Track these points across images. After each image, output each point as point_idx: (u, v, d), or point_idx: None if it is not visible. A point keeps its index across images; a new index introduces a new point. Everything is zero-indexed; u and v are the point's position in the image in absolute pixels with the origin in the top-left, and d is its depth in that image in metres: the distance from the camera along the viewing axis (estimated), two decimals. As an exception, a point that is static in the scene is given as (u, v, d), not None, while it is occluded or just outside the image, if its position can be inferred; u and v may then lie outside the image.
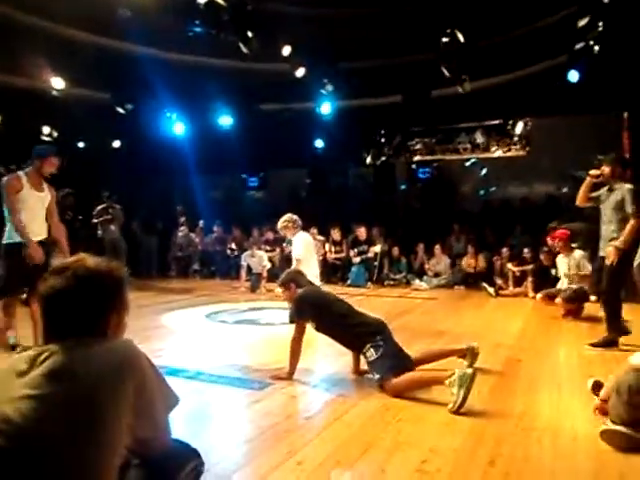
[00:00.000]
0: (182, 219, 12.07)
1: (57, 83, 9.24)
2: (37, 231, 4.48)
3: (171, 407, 1.29)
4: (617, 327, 4.70)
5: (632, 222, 4.46)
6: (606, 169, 4.73)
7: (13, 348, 4.40)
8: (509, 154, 12.39)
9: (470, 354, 3.96)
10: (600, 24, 6.83)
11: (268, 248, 10.97)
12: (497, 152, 12.39)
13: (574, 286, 6.39)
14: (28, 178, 4.43)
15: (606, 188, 4.81)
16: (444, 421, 2.91)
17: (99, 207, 9.94)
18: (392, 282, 9.90)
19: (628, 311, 5.20)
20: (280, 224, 5.76)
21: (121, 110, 10.57)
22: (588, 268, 6.36)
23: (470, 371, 3.07)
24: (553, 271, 7.95)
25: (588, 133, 10.20)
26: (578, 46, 7.69)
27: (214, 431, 2.90)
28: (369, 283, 9.80)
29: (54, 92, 9.30)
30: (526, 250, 8.83)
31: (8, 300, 4.56)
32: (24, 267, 4.29)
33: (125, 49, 9.51)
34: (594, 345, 4.69)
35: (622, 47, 8.02)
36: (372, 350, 3.50)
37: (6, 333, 4.55)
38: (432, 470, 2.33)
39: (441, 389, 3.14)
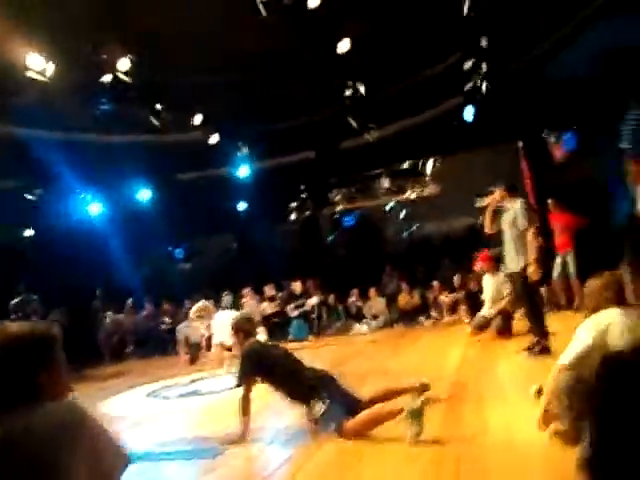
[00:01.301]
0: (99, 303, 11.64)
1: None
2: None
3: (123, 466, 1.24)
4: (543, 331, 4.97)
5: (530, 232, 4.90)
6: (496, 195, 5.22)
7: None
8: (425, 193, 13.04)
9: (421, 391, 3.97)
10: (483, 65, 7.53)
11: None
12: (413, 193, 13.01)
13: (497, 309, 6.67)
14: None
15: (503, 210, 5.26)
16: (404, 454, 2.90)
17: (14, 301, 9.30)
18: (333, 331, 9.92)
19: (554, 320, 5.52)
20: (194, 316, 5.87)
21: (30, 197, 10.20)
22: (507, 290, 6.69)
23: (418, 403, 3.08)
24: (482, 296, 8.32)
25: (494, 163, 11.00)
26: (468, 86, 8.42)
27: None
28: (310, 336, 9.76)
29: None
30: (455, 278, 9.20)
31: None
32: None
33: (30, 134, 9.33)
34: (530, 353, 4.92)
35: (508, 82, 8.86)
36: (318, 405, 3.47)
37: None
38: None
39: (395, 422, 3.12)
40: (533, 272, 4.86)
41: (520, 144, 10.88)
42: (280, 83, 8.62)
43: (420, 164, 12.85)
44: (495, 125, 9.83)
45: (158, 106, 7.84)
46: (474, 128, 9.93)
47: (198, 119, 9.01)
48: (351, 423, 3.29)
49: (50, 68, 6.13)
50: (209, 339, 9.00)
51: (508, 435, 2.97)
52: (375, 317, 9.89)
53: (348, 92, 8.04)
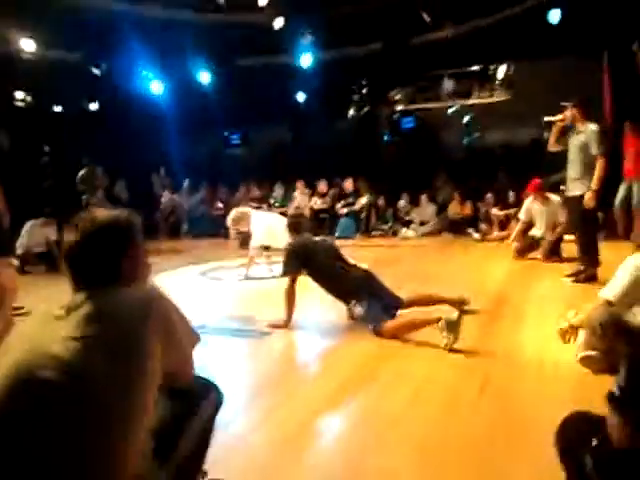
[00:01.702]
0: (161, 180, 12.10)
1: (28, 45, 8.94)
2: None
3: (194, 343, 1.42)
4: (593, 260, 4.92)
5: (600, 161, 4.66)
6: (568, 113, 4.91)
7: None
8: (491, 99, 12.38)
9: (458, 306, 4.07)
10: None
11: (255, 205, 11.00)
12: (479, 98, 12.37)
13: (552, 236, 6.48)
14: None
15: (572, 130, 4.98)
16: (436, 357, 3.09)
17: (82, 173, 9.81)
18: (380, 232, 10.06)
19: (608, 249, 5.41)
20: (231, 223, 6.14)
21: (95, 71, 10.33)
22: (563, 216, 6.48)
23: (455, 315, 3.19)
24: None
25: (570, 76, 10.23)
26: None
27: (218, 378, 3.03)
28: (357, 234, 9.97)
29: (25, 55, 9.02)
30: (511, 194, 9.00)
31: None
32: None
33: (97, 6, 9.26)
34: (575, 280, 4.92)
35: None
36: (358, 306, 3.67)
37: None
38: (426, 398, 2.52)
39: (432, 331, 3.27)
40: (589, 199, 4.71)
41: (605, 55, 9.97)
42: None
43: (492, 68, 12.09)
44: (580, 32, 9.00)
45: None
46: (555, 34, 9.14)
47: (264, 1, 8.62)
48: (389, 324, 3.48)
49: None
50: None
51: (539, 356, 3.09)
52: (423, 223, 9.92)
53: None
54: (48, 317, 1.22)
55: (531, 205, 6.82)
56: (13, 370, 1.13)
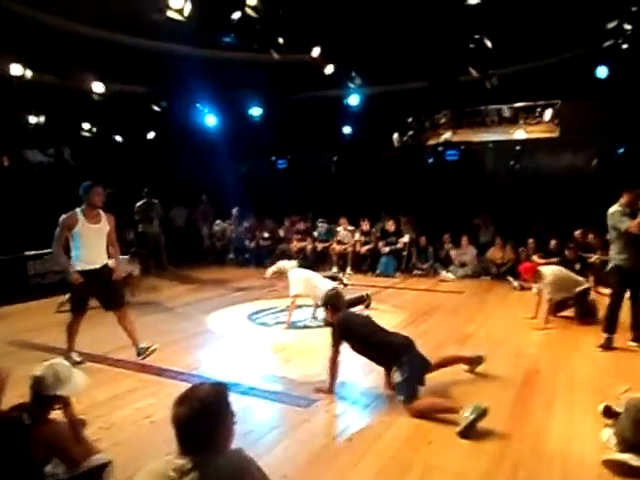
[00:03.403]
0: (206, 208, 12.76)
1: (98, 87, 9.67)
2: (92, 260, 5.07)
3: None
4: None
5: None
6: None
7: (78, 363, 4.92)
8: (537, 135, 12.48)
9: (475, 363, 4.64)
10: (629, 27, 6.91)
11: (299, 237, 11.46)
12: (525, 131, 12.51)
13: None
14: (84, 214, 5.02)
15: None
16: (469, 447, 3.36)
17: (139, 203, 10.49)
18: (420, 272, 10.27)
19: None
20: (270, 275, 7.05)
21: (156, 108, 11.03)
22: (579, 279, 6.68)
23: (484, 406, 3.53)
24: (577, 266, 8.24)
25: (618, 118, 10.31)
26: (607, 44, 7.77)
27: (267, 453, 3.37)
28: (397, 273, 10.22)
29: (95, 96, 9.74)
30: (552, 242, 9.07)
31: (73, 320, 5.17)
32: (83, 291, 5.00)
33: (160, 47, 9.91)
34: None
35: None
36: (398, 373, 3.99)
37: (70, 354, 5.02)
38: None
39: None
40: None
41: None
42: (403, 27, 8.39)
43: (540, 105, 12.22)
44: (627, 84, 9.14)
45: (280, 40, 8.01)
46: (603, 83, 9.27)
47: (316, 51, 9.04)
48: (417, 405, 3.82)
49: (187, 8, 6.54)
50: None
51: (565, 448, 3.31)
52: (463, 265, 10.08)
53: (472, 45, 7.70)
54: (162, 476, 1.60)
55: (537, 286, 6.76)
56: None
